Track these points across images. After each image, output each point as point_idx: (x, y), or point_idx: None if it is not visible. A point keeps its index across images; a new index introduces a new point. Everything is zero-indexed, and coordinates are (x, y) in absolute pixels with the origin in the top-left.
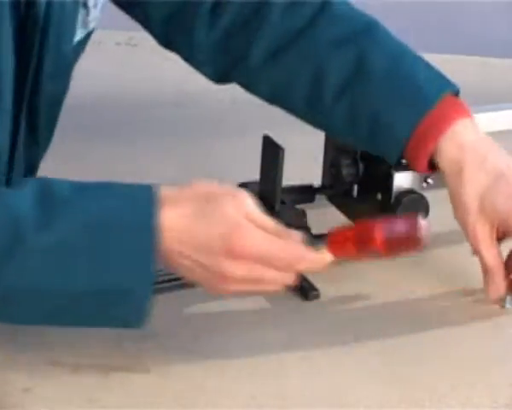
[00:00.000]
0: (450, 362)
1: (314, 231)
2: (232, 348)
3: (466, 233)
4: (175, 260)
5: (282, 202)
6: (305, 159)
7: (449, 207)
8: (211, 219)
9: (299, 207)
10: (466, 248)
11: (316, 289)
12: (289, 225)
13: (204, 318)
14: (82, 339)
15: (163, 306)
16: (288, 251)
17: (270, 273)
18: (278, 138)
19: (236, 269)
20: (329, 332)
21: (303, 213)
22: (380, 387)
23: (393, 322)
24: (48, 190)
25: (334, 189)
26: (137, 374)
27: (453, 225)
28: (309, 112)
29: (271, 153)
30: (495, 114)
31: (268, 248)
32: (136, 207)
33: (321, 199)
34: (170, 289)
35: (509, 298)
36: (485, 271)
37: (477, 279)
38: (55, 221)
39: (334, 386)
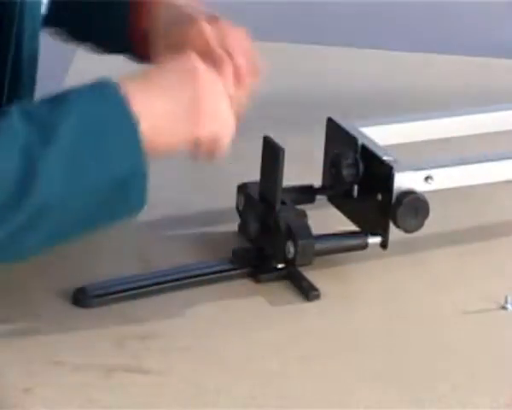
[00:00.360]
0: (451, 362)
1: (314, 231)
2: (232, 348)
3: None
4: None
5: (283, 203)
6: (305, 159)
7: (449, 208)
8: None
9: (299, 207)
10: (466, 248)
11: (316, 290)
12: (289, 225)
13: (204, 318)
14: (82, 339)
15: (163, 306)
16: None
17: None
18: (278, 139)
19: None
20: (329, 332)
21: (303, 214)
22: (380, 387)
23: (393, 322)
24: (29, 113)
25: (334, 189)
26: (137, 374)
27: (453, 225)
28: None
29: (272, 153)
30: (495, 114)
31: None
32: (108, 103)
33: (321, 199)
34: (170, 288)
35: (509, 298)
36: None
37: (478, 279)
38: (51, 136)
39: (334, 386)
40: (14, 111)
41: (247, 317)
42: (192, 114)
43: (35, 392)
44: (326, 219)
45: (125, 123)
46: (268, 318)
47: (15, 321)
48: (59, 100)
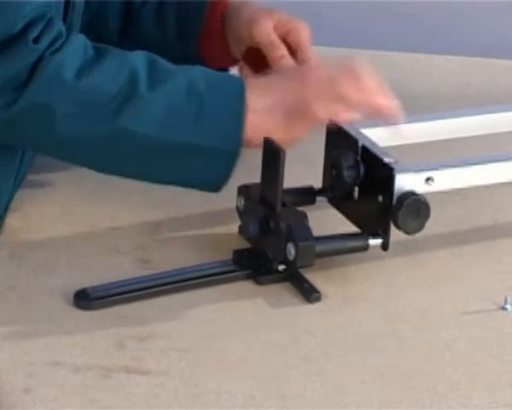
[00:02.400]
0: (451, 362)
1: (315, 232)
2: (232, 349)
3: (253, 25)
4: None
5: (283, 204)
6: (304, 160)
7: (450, 208)
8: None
9: (299, 208)
10: (466, 248)
11: (317, 291)
12: (290, 227)
13: (204, 319)
14: (82, 339)
15: (163, 307)
16: None
17: None
18: None
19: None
20: (330, 333)
21: (304, 215)
22: (380, 387)
23: (393, 322)
24: (154, 62)
25: (334, 191)
26: (137, 374)
27: (453, 225)
28: (123, 27)
29: (272, 155)
30: (496, 115)
31: None
32: (229, 81)
33: (322, 201)
34: (171, 290)
35: (509, 298)
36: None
37: (477, 280)
38: (163, 84)
39: (334, 386)
40: (142, 53)
41: (247, 318)
42: (290, 122)
43: (35, 392)
44: (326, 220)
45: (235, 105)
46: (268, 319)
47: (15, 321)
48: (185, 66)
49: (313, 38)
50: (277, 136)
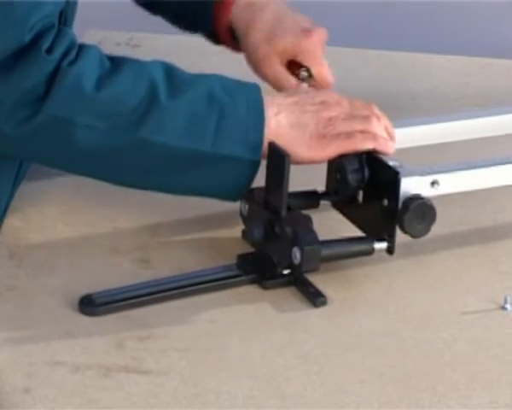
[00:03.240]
0: (450, 362)
1: (319, 237)
2: (232, 348)
3: (260, 68)
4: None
5: (288, 208)
6: (307, 164)
7: (450, 210)
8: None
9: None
10: (466, 249)
11: (323, 296)
12: (296, 231)
13: (206, 321)
14: (82, 339)
15: (164, 307)
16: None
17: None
18: None
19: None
20: (332, 334)
21: (309, 219)
22: (379, 387)
23: (394, 323)
24: (171, 71)
25: (338, 194)
26: (137, 374)
27: (453, 226)
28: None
29: (277, 159)
30: (501, 117)
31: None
32: (247, 88)
33: (326, 205)
34: (176, 296)
35: (508, 298)
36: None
37: (477, 280)
38: (182, 93)
39: (334, 386)
40: (159, 62)
41: (251, 321)
42: (316, 141)
43: (35, 392)
44: (330, 224)
45: (254, 112)
46: (268, 320)
47: (15, 322)
48: (202, 75)
49: None
50: (299, 149)
